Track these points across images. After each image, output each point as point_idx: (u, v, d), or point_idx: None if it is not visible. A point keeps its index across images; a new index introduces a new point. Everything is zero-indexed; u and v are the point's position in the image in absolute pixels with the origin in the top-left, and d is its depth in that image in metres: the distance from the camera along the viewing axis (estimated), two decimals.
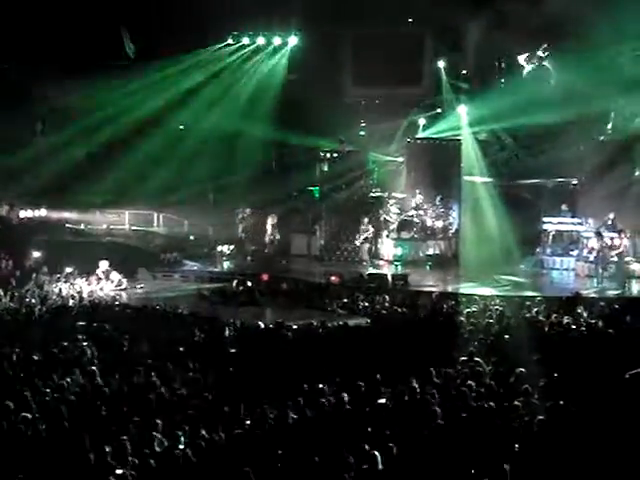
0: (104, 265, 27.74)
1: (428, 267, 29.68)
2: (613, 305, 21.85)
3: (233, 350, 16.96)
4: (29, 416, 12.03)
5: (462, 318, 19.66)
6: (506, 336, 17.66)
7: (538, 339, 16.96)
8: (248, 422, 12.31)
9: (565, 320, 18.74)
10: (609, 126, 31.02)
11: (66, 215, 34.11)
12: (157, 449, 11.32)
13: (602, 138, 31.00)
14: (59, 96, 33.27)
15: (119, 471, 10.42)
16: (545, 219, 29.92)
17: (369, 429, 11.93)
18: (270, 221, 31.47)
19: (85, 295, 24.96)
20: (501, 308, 21.04)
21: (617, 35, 28.86)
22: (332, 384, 13.98)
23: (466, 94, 33.15)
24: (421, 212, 31.23)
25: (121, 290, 27.10)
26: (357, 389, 13.55)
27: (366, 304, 23.11)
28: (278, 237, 31.52)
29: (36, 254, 29.28)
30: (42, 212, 34.62)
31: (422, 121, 34.05)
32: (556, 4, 29.63)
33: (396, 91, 34.21)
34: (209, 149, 33.95)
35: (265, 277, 27.51)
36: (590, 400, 12.64)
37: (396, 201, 31.93)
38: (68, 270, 27.29)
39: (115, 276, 27.58)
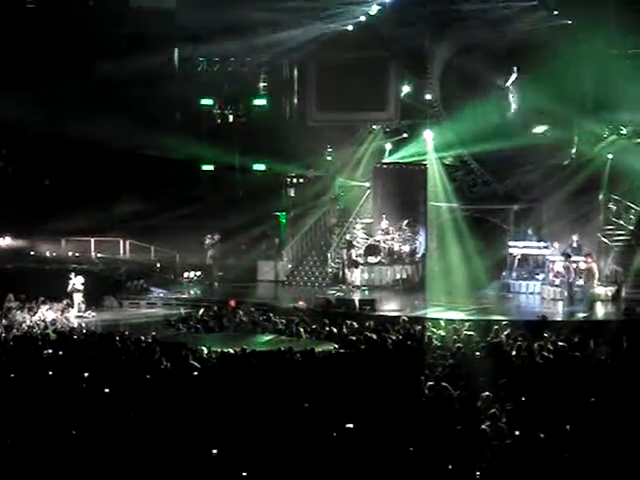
0: (79, 280, 27.65)
1: (399, 291, 29.75)
2: (579, 329, 21.93)
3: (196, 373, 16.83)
4: None
5: (429, 342, 19.66)
6: (473, 360, 17.69)
7: (505, 363, 17.01)
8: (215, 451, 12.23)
9: (531, 344, 18.75)
10: (573, 150, 31.28)
11: (31, 243, 33.94)
12: None
13: (566, 162, 31.23)
14: None
15: None
16: (511, 243, 30.08)
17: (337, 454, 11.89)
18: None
19: (49, 323, 24.75)
20: (468, 332, 21.08)
21: (580, 60, 29.27)
22: (299, 409, 13.92)
23: (432, 119, 33.32)
24: (388, 237, 31.30)
25: (84, 317, 26.93)
26: (324, 414, 13.50)
27: (334, 329, 23.03)
28: None
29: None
30: (7, 240, 34.43)
31: (388, 146, 34.24)
32: (519, 30, 30.14)
33: (362, 116, 34.35)
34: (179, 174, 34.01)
35: (232, 303, 27.40)
36: (557, 425, 12.67)
37: (363, 226, 32.01)
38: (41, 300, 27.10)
39: (77, 298, 27.45)
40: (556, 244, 29.14)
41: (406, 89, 33.97)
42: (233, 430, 12.83)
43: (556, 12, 30.09)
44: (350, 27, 33.24)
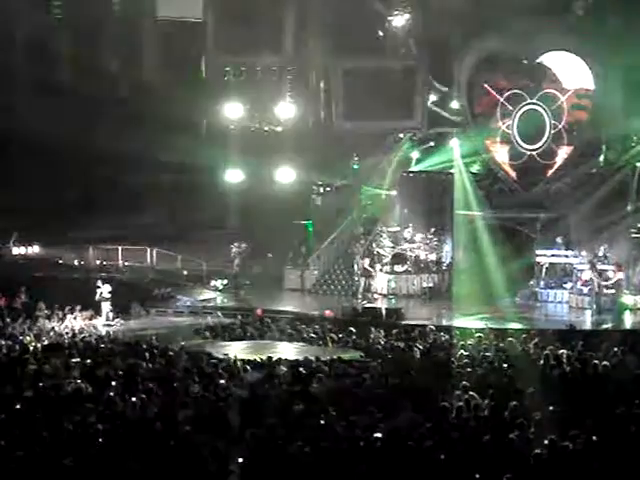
0: (106, 289, 27.81)
1: (425, 300, 29.72)
2: (608, 338, 21.78)
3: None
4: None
5: (456, 351, 19.59)
6: (500, 369, 17.62)
7: (532, 372, 16.91)
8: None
9: (559, 353, 18.66)
10: (601, 158, 31.14)
11: (59, 252, 34.12)
12: None
13: (594, 171, 31.10)
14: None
15: None
16: (538, 251, 29.93)
17: (364, 463, 11.85)
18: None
19: (77, 331, 24.87)
20: (495, 341, 20.99)
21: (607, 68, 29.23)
22: (327, 417, 13.90)
23: (458, 127, 33.27)
24: (414, 245, 31.24)
25: (112, 326, 27.04)
26: (352, 422, 13.47)
27: (360, 338, 23.00)
28: None
29: (26, 291, 29.04)
30: (35, 249, 34.63)
31: (415, 154, 34.19)
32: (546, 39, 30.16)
33: (388, 125, 34.34)
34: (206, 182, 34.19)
35: (259, 312, 27.44)
36: (584, 435, 12.57)
37: (389, 234, 31.95)
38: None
39: (105, 306, 27.61)
40: (584, 252, 28.99)
41: (433, 97, 33.95)
42: (257, 437, 12.82)
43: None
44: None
